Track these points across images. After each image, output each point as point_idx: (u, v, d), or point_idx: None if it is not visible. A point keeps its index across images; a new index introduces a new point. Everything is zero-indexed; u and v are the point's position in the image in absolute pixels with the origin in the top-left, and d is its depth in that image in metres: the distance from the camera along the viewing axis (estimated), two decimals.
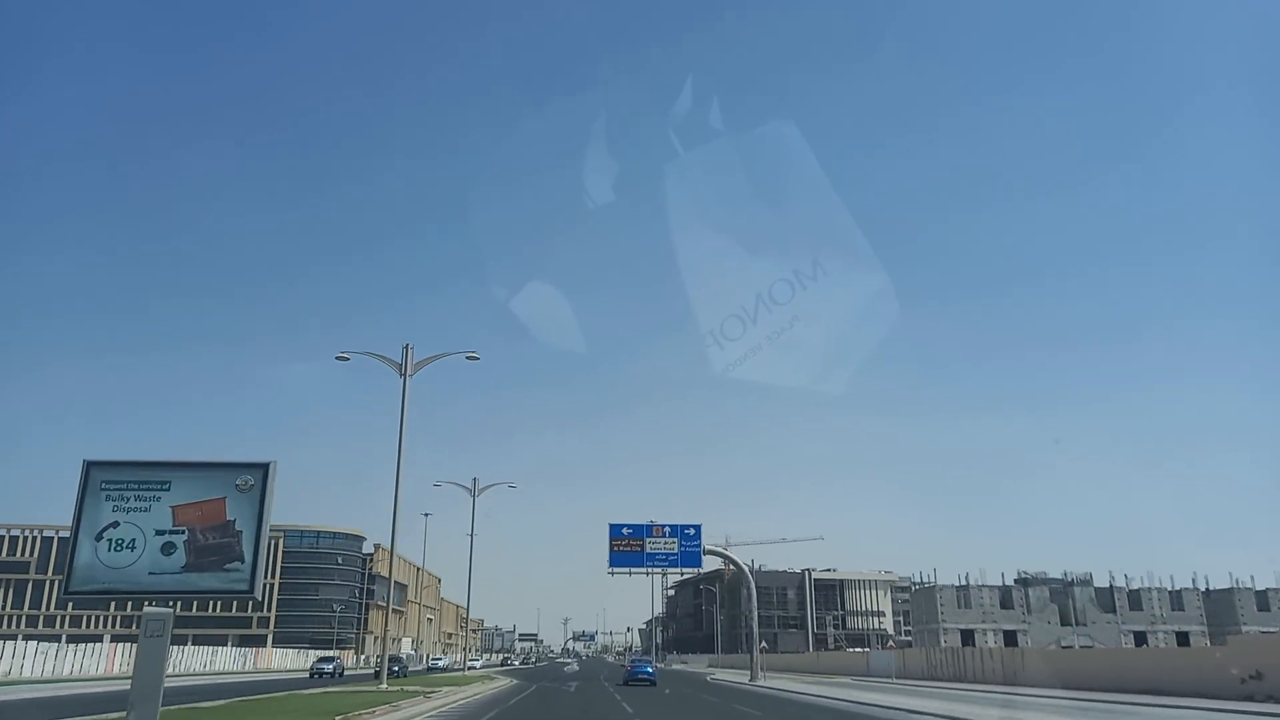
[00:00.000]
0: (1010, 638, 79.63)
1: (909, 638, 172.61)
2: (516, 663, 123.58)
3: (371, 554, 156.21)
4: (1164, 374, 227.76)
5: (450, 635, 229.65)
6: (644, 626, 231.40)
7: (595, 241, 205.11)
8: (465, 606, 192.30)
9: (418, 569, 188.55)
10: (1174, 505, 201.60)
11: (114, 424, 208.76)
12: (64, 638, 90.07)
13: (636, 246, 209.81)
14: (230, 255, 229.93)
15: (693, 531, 38.32)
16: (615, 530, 38.99)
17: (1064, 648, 64.58)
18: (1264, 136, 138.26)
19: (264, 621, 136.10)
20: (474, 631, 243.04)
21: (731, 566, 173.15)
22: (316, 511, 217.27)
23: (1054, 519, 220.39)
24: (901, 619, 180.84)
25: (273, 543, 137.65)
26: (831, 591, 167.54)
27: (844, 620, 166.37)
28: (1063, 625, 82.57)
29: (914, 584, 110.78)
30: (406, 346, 30.62)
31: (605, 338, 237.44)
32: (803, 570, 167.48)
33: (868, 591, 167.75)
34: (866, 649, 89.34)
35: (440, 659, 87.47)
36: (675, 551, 37.29)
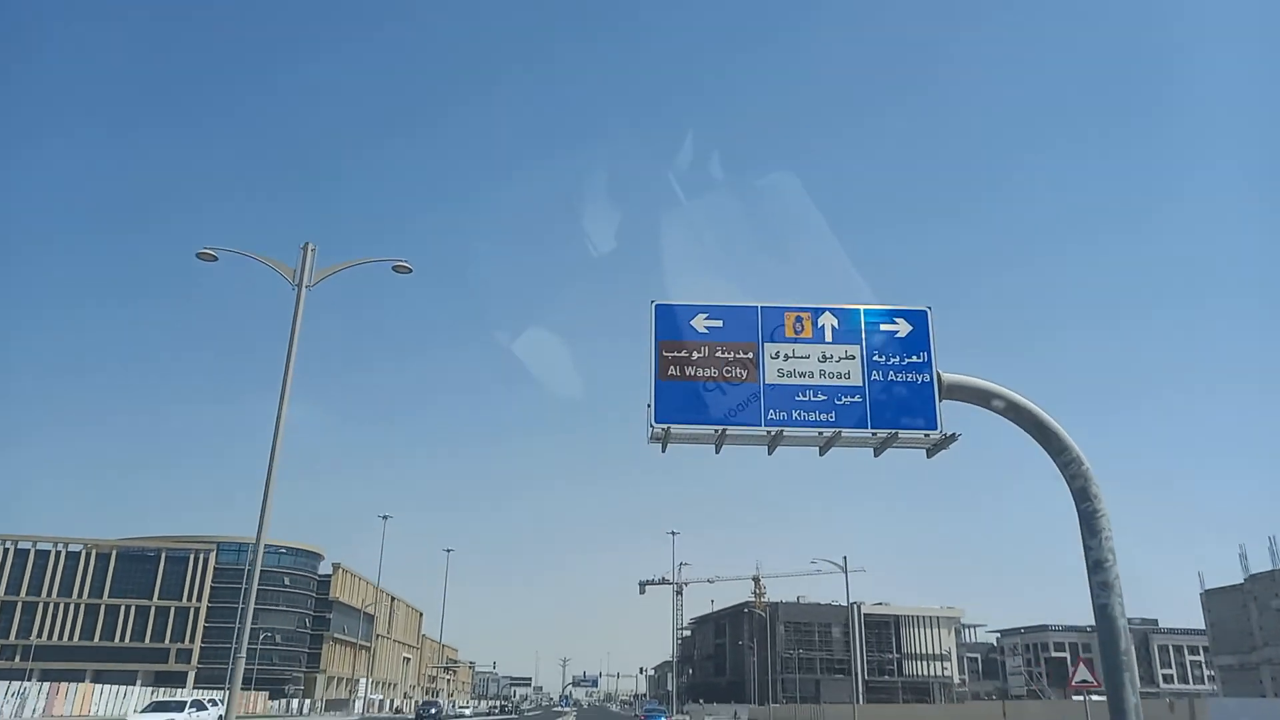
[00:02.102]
0: None
1: (965, 686, 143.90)
2: (469, 712, 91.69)
3: (330, 576, 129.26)
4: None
5: (434, 679, 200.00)
6: (653, 673, 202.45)
7: (596, 288, 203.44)
8: (422, 622, 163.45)
9: (391, 598, 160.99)
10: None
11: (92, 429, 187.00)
12: None
13: (637, 293, 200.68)
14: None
15: (906, 329, 12.46)
16: (668, 320, 12.57)
17: None
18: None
19: (185, 655, 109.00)
20: (450, 671, 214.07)
21: (764, 597, 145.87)
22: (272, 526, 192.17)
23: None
24: (963, 664, 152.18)
25: (199, 557, 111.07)
26: (884, 630, 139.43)
27: (899, 665, 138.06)
28: None
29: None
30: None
31: (605, 383, 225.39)
32: (850, 604, 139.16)
33: (927, 630, 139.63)
34: (1066, 698, 58.56)
35: None
36: (857, 386, 11.59)
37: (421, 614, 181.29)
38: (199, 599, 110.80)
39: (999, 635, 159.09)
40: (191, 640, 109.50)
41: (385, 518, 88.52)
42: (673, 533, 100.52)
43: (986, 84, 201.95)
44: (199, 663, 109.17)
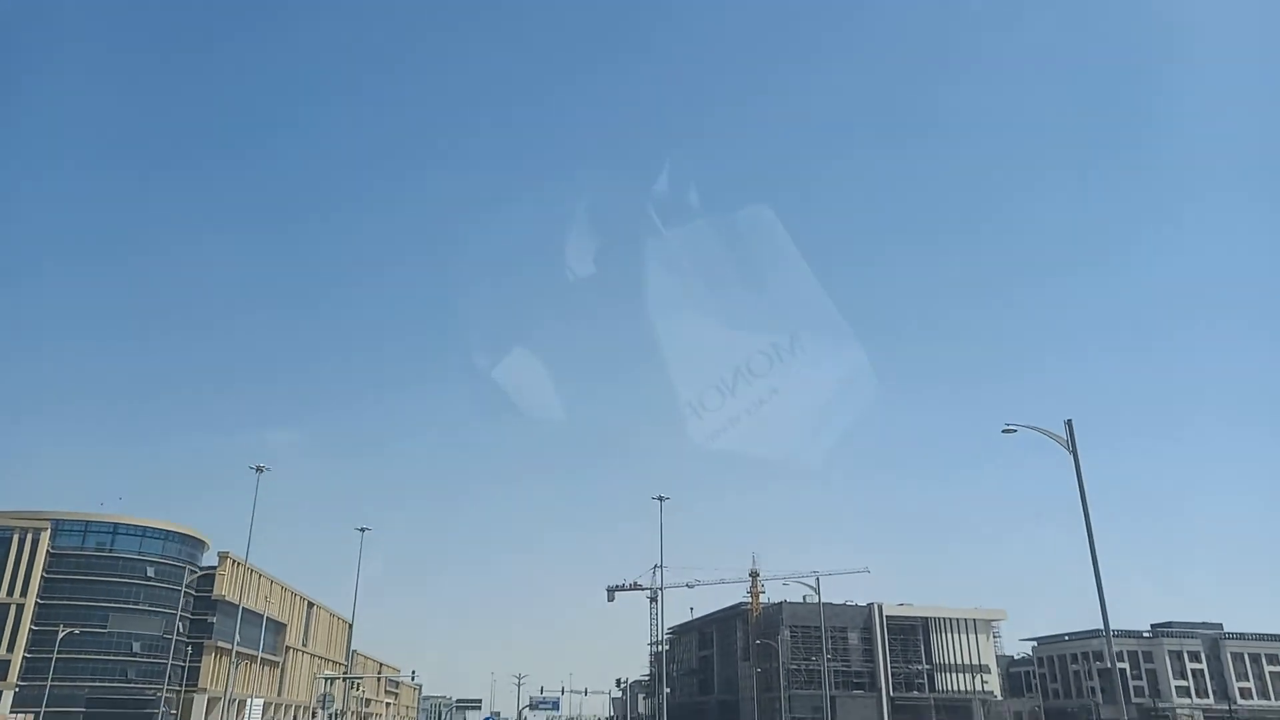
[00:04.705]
0: None
1: (1030, 699, 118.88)
2: None
3: (215, 569, 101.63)
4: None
5: (369, 702, 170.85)
6: (619, 694, 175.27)
7: (576, 314, 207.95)
8: (349, 640, 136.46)
9: (308, 603, 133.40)
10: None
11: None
12: None
13: (616, 318, 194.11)
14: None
15: None
16: None
17: None
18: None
19: (1, 668, 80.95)
20: (391, 694, 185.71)
21: (762, 599, 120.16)
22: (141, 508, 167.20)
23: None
24: (1011, 677, 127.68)
25: (29, 536, 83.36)
26: (911, 636, 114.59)
27: (931, 677, 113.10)
28: None
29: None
30: None
31: (585, 407, 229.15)
32: (869, 604, 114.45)
33: (961, 636, 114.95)
34: None
35: None
36: None
37: (350, 625, 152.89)
38: (24, 593, 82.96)
39: (1035, 643, 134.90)
40: (11, 648, 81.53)
41: (259, 469, 62.11)
42: (660, 498, 74.93)
43: (968, 120, 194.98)
44: (20, 678, 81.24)
